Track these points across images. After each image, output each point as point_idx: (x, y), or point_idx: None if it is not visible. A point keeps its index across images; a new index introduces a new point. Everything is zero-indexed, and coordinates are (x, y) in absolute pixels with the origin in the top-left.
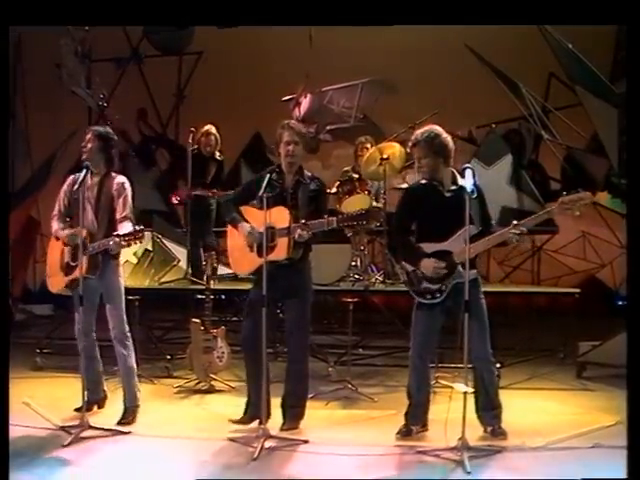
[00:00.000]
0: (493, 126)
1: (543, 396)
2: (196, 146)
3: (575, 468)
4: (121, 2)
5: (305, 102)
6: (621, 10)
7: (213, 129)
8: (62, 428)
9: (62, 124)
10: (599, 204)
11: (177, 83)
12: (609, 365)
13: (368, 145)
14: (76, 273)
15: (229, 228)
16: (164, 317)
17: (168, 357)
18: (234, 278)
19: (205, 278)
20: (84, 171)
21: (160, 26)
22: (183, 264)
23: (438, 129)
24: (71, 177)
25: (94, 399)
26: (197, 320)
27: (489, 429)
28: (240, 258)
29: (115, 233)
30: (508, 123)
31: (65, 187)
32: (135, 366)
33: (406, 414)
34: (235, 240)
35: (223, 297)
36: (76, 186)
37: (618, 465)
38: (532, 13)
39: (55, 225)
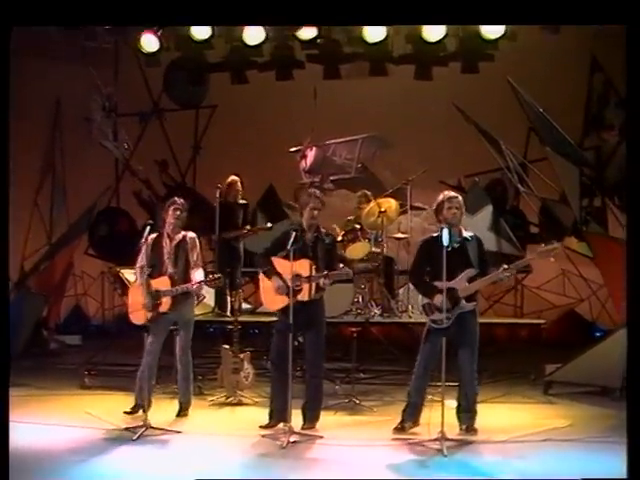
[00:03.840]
0: (476, 179)
1: (513, 407)
2: (219, 197)
3: (529, 456)
4: (121, 3)
5: (311, 154)
6: (621, 10)
7: (236, 178)
8: (127, 429)
9: (92, 174)
10: (568, 247)
11: (194, 135)
12: (571, 383)
13: (363, 199)
14: (159, 309)
15: (262, 275)
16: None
17: (199, 378)
18: (252, 312)
19: (232, 312)
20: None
21: (160, 26)
22: (207, 300)
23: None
24: (150, 236)
25: (142, 404)
26: (227, 346)
27: (464, 427)
28: (272, 298)
29: (193, 278)
30: (492, 173)
31: (146, 244)
32: (192, 377)
33: (403, 411)
34: (267, 284)
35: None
36: (177, 243)
37: (564, 454)
38: (533, 13)
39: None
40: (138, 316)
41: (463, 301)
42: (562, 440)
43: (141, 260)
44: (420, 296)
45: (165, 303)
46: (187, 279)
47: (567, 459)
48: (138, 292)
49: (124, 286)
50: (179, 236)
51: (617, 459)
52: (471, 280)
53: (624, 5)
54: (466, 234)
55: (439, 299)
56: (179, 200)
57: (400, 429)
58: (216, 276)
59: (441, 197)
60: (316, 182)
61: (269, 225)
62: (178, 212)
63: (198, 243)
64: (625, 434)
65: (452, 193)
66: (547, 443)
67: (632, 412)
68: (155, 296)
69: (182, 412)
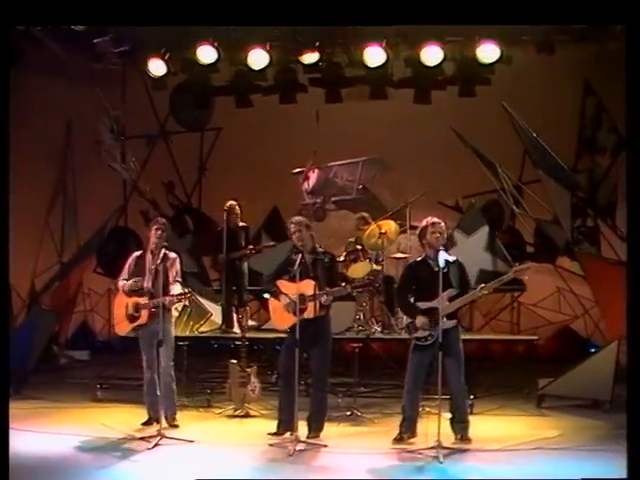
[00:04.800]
0: (473, 200)
1: (507, 420)
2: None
3: (519, 463)
4: (121, 3)
5: (313, 176)
6: (621, 10)
7: (234, 203)
8: (142, 438)
9: (102, 194)
10: (561, 267)
11: (199, 157)
12: (563, 397)
13: (361, 221)
14: (139, 321)
15: (270, 298)
16: (196, 361)
17: (208, 391)
18: (257, 329)
19: (240, 328)
20: (163, 250)
21: (160, 26)
22: (214, 318)
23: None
24: (135, 254)
25: (155, 417)
26: (234, 361)
27: (458, 436)
28: (281, 317)
29: (170, 293)
30: (489, 194)
31: (130, 260)
32: (175, 389)
33: (400, 425)
34: (275, 305)
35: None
36: (159, 261)
37: (553, 461)
38: (534, 12)
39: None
40: (121, 327)
41: (445, 319)
42: (552, 449)
43: (124, 275)
44: (404, 316)
45: (144, 315)
46: (165, 295)
47: (556, 466)
48: (121, 305)
49: None
50: (161, 254)
51: (605, 466)
52: (452, 299)
53: (624, 5)
54: (448, 257)
55: (420, 320)
56: (161, 220)
57: (399, 440)
58: (186, 291)
59: (424, 222)
60: (318, 203)
61: (272, 243)
62: (160, 231)
63: (178, 262)
64: (614, 443)
65: (435, 219)
66: (537, 451)
67: (632, 417)
68: (135, 309)
69: (172, 423)
